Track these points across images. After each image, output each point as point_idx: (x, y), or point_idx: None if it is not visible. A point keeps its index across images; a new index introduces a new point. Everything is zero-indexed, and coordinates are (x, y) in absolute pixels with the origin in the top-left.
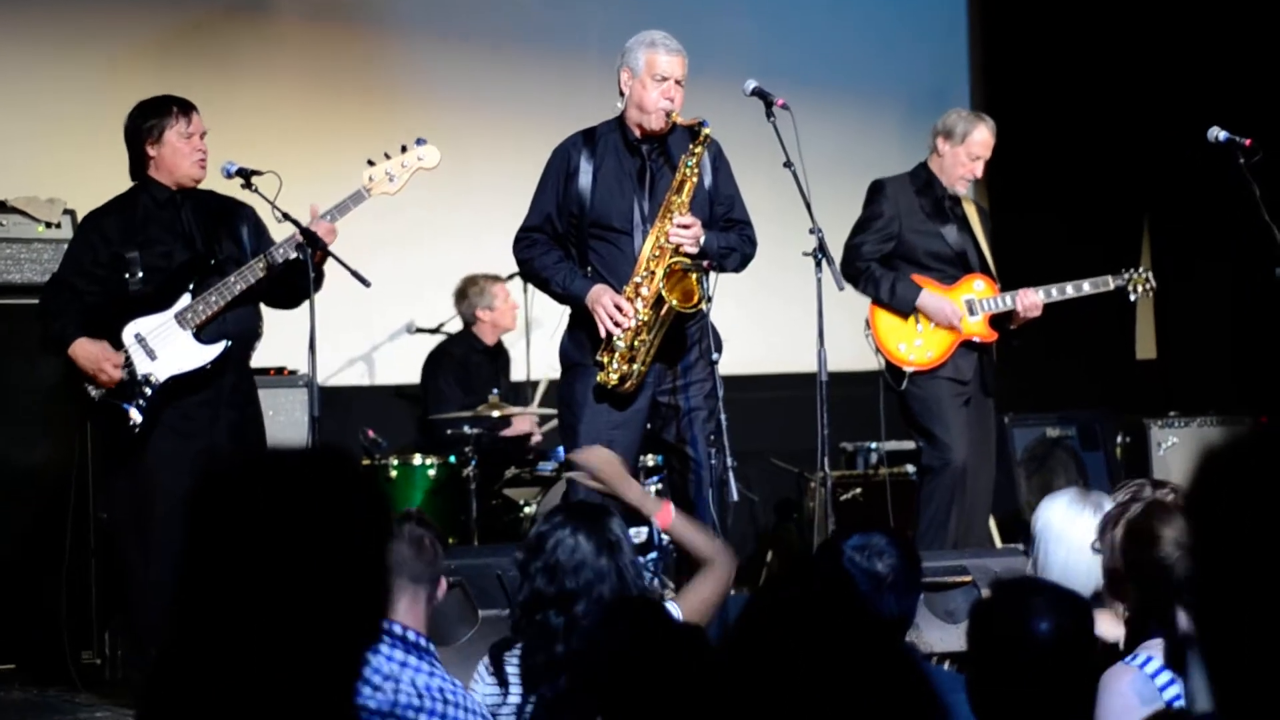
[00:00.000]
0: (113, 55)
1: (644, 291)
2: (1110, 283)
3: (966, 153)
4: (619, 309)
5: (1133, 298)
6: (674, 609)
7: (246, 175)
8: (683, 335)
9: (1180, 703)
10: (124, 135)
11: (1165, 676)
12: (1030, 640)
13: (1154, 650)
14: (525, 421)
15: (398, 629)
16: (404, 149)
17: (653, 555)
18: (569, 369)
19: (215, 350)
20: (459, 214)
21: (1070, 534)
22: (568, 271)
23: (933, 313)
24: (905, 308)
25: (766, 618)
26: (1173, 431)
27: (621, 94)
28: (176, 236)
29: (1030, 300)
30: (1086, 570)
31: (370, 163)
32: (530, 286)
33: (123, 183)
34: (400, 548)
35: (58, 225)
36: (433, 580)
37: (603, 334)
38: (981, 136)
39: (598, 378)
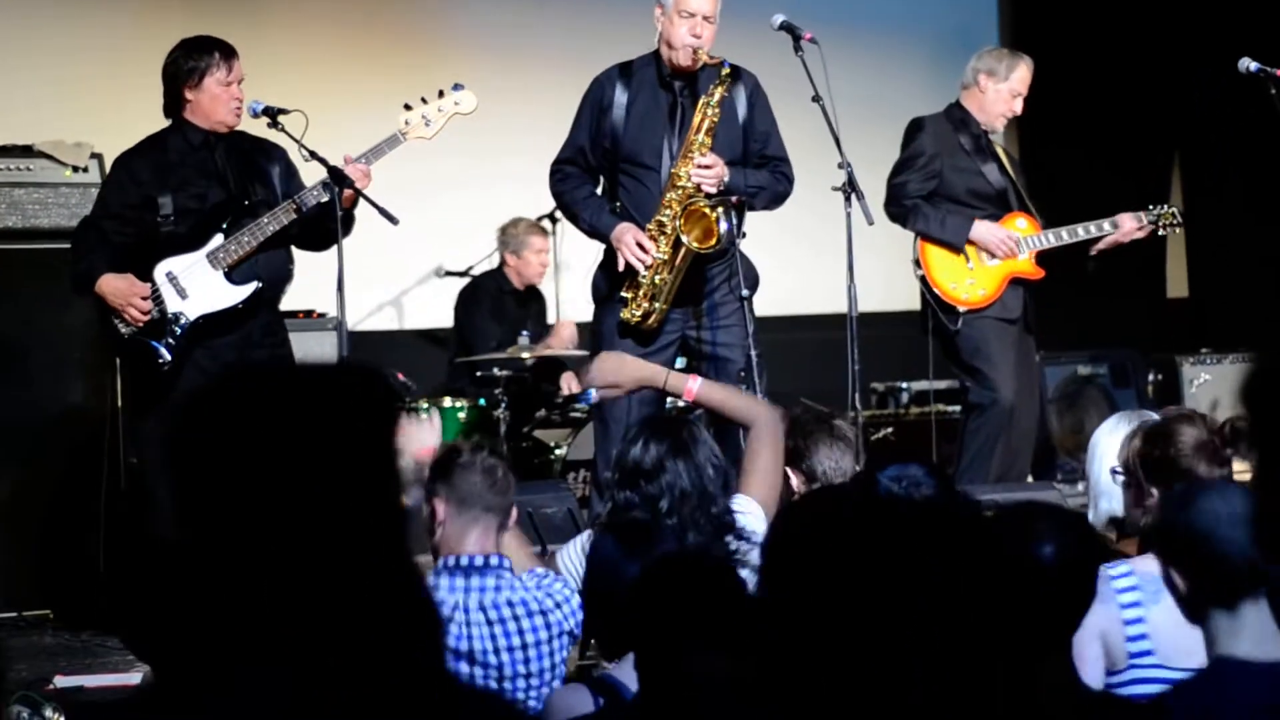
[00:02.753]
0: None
1: (666, 230)
2: (1142, 218)
3: (1010, 90)
4: (641, 247)
5: (1160, 234)
6: (744, 502)
7: (273, 114)
8: (707, 274)
9: (1137, 609)
10: (162, 73)
11: (1129, 580)
12: (1034, 564)
13: (1138, 564)
14: (565, 334)
15: (454, 560)
16: (441, 94)
17: None
18: (599, 303)
19: (246, 290)
20: (488, 157)
21: (1107, 449)
22: (596, 207)
23: (989, 241)
24: (959, 239)
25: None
26: (1204, 369)
27: (656, 29)
28: (210, 178)
29: (1130, 225)
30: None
31: (407, 106)
32: (560, 228)
33: (149, 126)
34: (474, 478)
35: (85, 169)
36: (505, 510)
37: (623, 269)
38: (1023, 74)
39: (621, 314)
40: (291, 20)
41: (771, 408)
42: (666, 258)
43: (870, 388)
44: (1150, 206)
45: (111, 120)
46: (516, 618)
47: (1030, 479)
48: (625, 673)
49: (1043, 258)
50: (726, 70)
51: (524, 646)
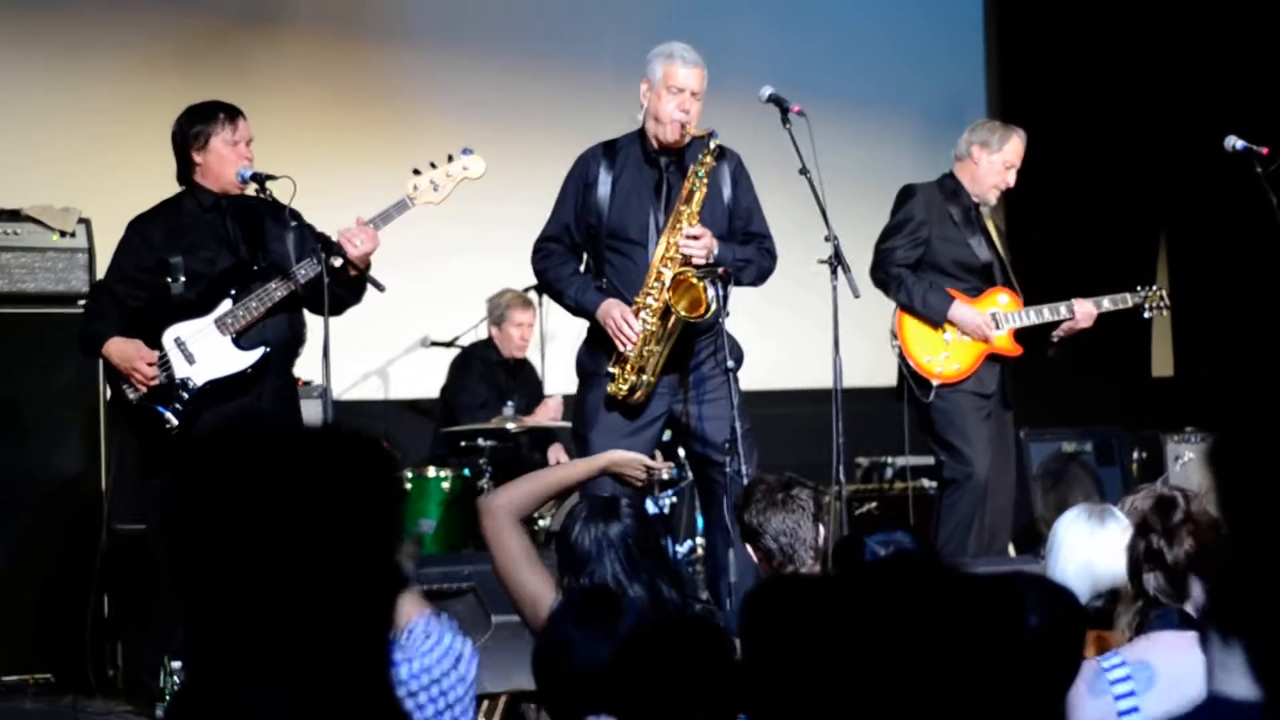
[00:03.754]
0: (129, 64)
1: (652, 302)
2: (1129, 300)
3: (1003, 161)
4: (627, 322)
5: (1147, 315)
6: None
7: (261, 180)
8: (694, 347)
9: (1131, 700)
10: (171, 140)
11: (1122, 672)
12: (1020, 633)
13: (1129, 653)
14: (552, 406)
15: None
16: (450, 158)
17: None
18: (584, 379)
19: (253, 356)
20: (475, 227)
21: (1070, 543)
22: (581, 284)
23: (965, 324)
24: (938, 317)
25: (780, 599)
26: (1189, 447)
27: (642, 105)
28: (220, 242)
29: (1086, 309)
30: (1081, 579)
31: (416, 171)
32: (546, 299)
33: (138, 191)
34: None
35: (72, 234)
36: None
37: (617, 346)
38: (1016, 146)
39: (608, 388)
40: (281, 86)
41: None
42: (655, 329)
43: (855, 462)
44: (1139, 288)
45: (100, 185)
46: (436, 680)
47: (1013, 554)
48: None
49: (1023, 336)
50: (716, 140)
51: (449, 707)
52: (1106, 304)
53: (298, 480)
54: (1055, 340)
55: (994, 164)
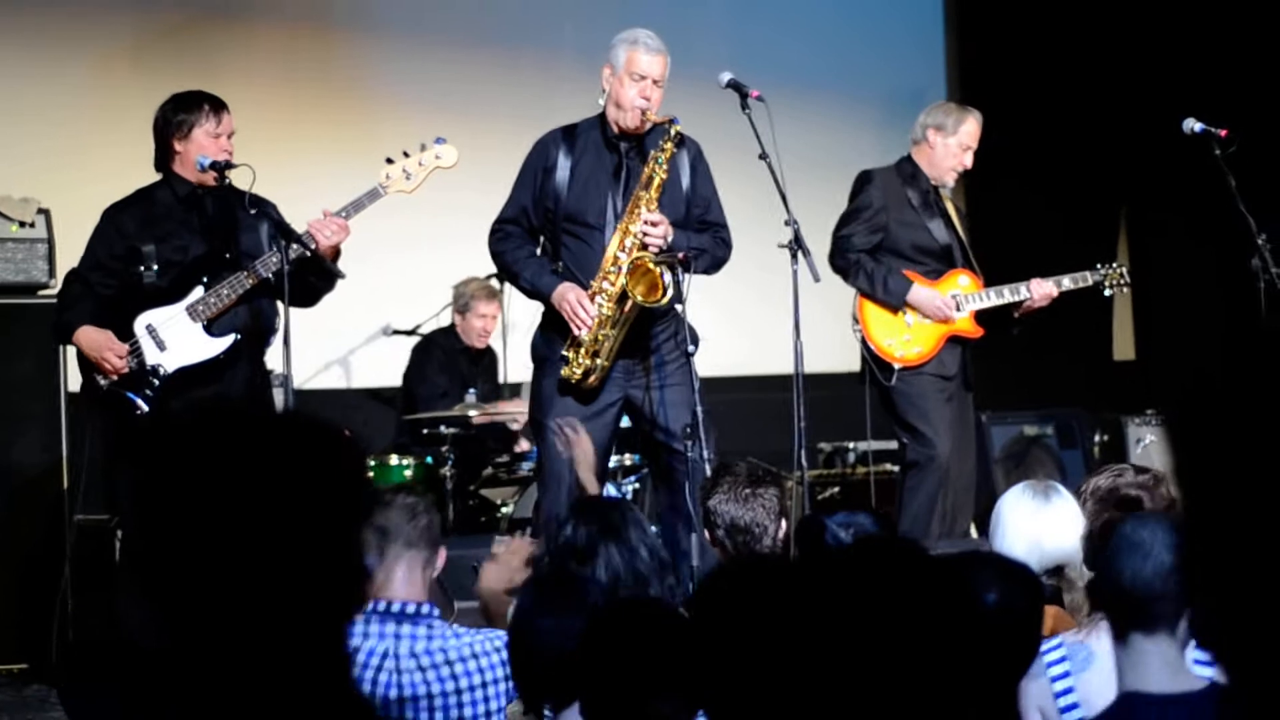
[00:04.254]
0: (91, 56)
1: (609, 287)
2: (1089, 278)
3: (959, 144)
4: (582, 305)
5: (1107, 293)
6: None
7: (220, 168)
8: (651, 332)
9: (1066, 680)
10: (152, 126)
11: (1059, 654)
12: (977, 611)
13: (1068, 636)
14: (512, 405)
15: (384, 605)
16: (422, 147)
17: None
18: (539, 364)
19: (224, 343)
20: (436, 216)
21: (1015, 522)
22: (537, 267)
23: (925, 306)
24: (897, 301)
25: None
26: (1150, 429)
27: (603, 90)
28: (194, 231)
29: (1044, 290)
30: (1029, 558)
31: (389, 160)
32: (510, 289)
33: (98, 182)
34: (393, 514)
35: (31, 225)
36: (430, 546)
37: (572, 329)
38: (971, 128)
39: (562, 372)
40: (247, 79)
41: None
42: (611, 313)
43: (817, 448)
44: (1098, 265)
45: (59, 176)
46: (450, 663)
47: (975, 536)
48: None
49: (984, 317)
50: (677, 127)
51: (458, 691)
52: (1066, 283)
53: (261, 465)
54: (1016, 319)
55: (950, 147)
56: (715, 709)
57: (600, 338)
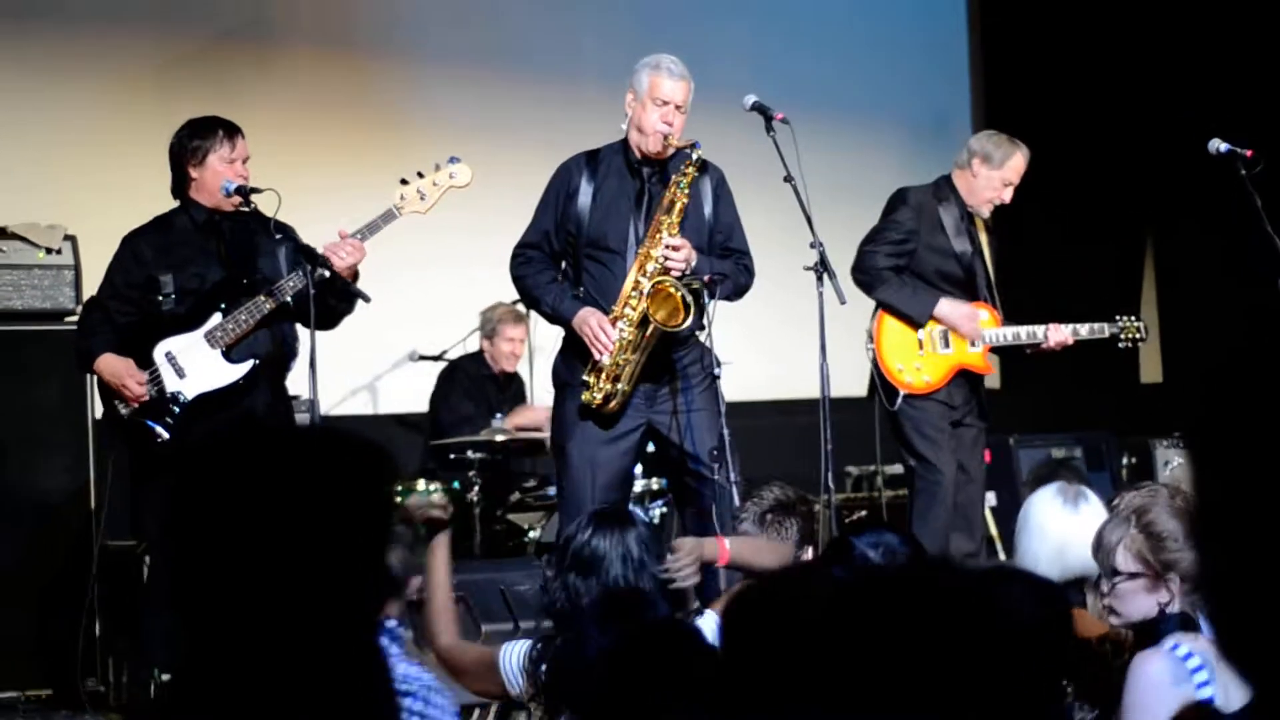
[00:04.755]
0: (113, 81)
1: (630, 312)
2: (1105, 330)
3: (1002, 178)
4: (604, 330)
5: (1121, 345)
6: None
7: (245, 193)
8: (675, 357)
9: (1208, 688)
10: (168, 153)
11: (1196, 661)
12: (1008, 629)
13: (1181, 639)
14: (539, 413)
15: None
16: (436, 167)
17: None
18: (560, 388)
19: (243, 369)
20: (460, 240)
21: (1042, 524)
22: (558, 292)
23: (953, 319)
24: (923, 313)
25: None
26: (1178, 452)
27: (626, 114)
28: (211, 257)
29: (1060, 336)
30: (1052, 563)
31: (403, 181)
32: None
33: (124, 208)
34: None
35: (58, 251)
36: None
37: (594, 354)
38: (1018, 164)
39: (582, 397)
40: (267, 101)
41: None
42: (632, 338)
43: (844, 471)
44: (1116, 317)
45: (86, 202)
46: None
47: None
48: None
49: (995, 354)
50: (699, 151)
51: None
52: (1084, 332)
53: (293, 481)
54: (1027, 355)
55: (992, 179)
56: None
57: (621, 362)
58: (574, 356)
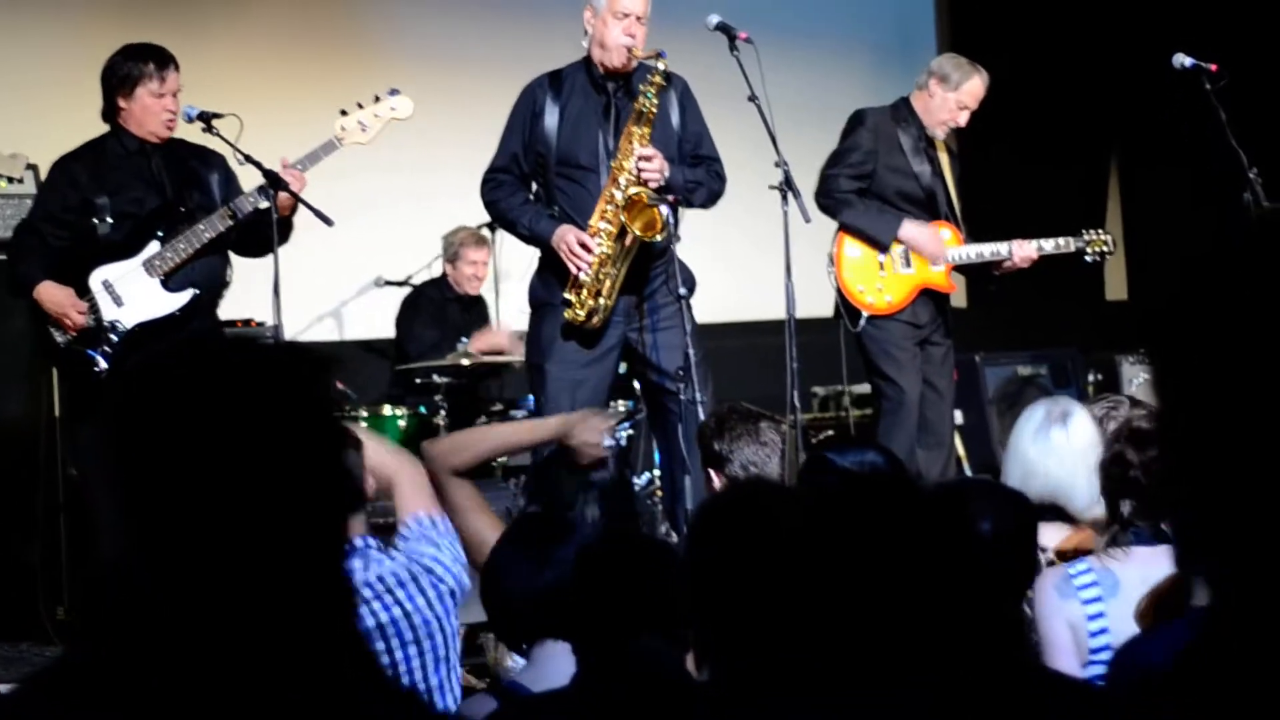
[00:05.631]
0: (74, 9)
1: (607, 225)
2: (1071, 244)
3: (957, 100)
4: (583, 245)
5: (1088, 259)
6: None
7: (207, 119)
8: (648, 272)
9: (1098, 604)
10: (100, 77)
11: (1088, 578)
12: (973, 539)
13: (1094, 561)
14: (502, 337)
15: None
16: (376, 99)
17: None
18: (537, 309)
19: (183, 298)
20: (425, 167)
21: (1017, 443)
22: (534, 213)
23: (917, 241)
24: (887, 238)
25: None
26: (1144, 368)
27: (586, 33)
28: (147, 184)
29: (1025, 251)
30: (1021, 478)
31: (343, 112)
32: (499, 236)
33: (86, 136)
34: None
35: (19, 180)
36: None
37: (573, 270)
38: (974, 88)
39: (565, 315)
40: (228, 29)
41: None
42: (611, 251)
43: (811, 392)
44: (1082, 231)
45: (47, 131)
46: (390, 589)
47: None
48: (527, 676)
49: (959, 272)
50: (665, 60)
51: (406, 615)
52: (1048, 246)
53: (234, 393)
54: (995, 277)
55: (948, 100)
56: (709, 637)
57: (601, 276)
58: (551, 276)
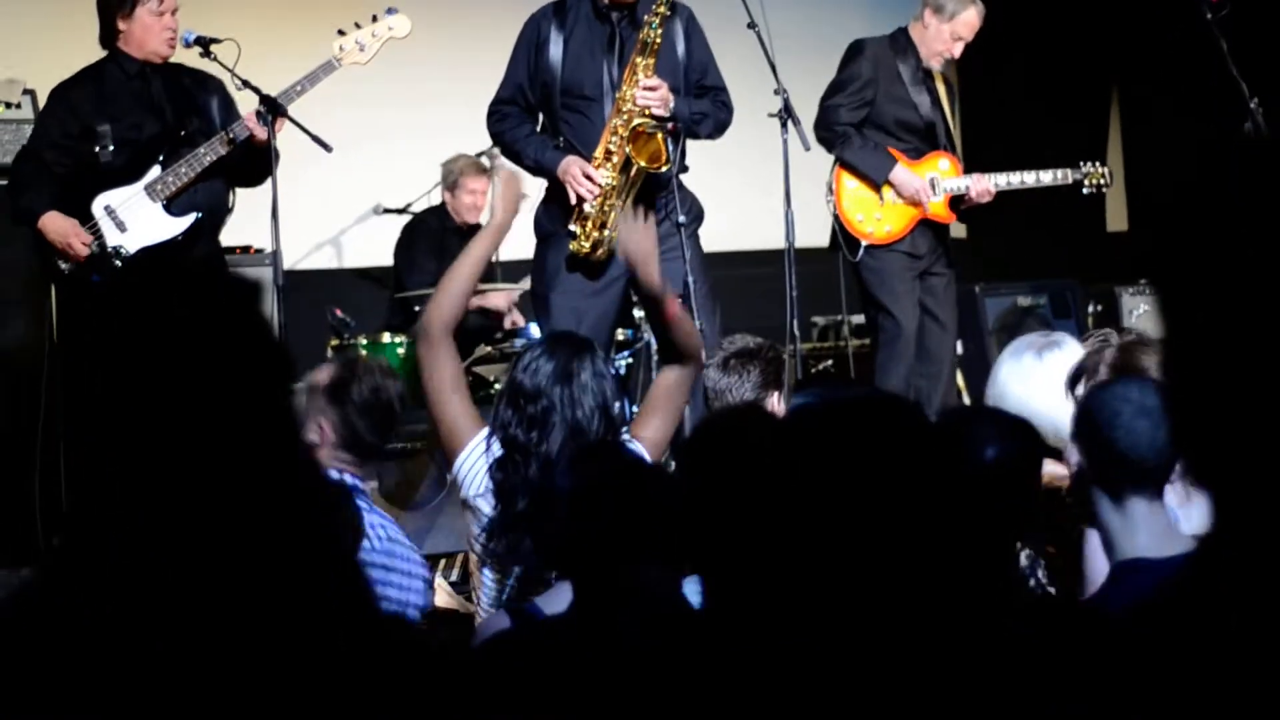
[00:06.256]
0: None
1: (612, 156)
2: (1069, 176)
3: (951, 31)
4: (588, 177)
5: (1085, 191)
6: (638, 447)
7: (205, 44)
8: (653, 203)
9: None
10: (97, 2)
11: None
12: (977, 466)
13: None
14: (500, 297)
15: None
16: (374, 18)
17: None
18: (542, 239)
19: (185, 222)
20: (425, 96)
21: (1011, 378)
22: (539, 144)
23: (903, 188)
24: (880, 177)
25: (732, 426)
26: (1144, 299)
27: None
28: (146, 109)
29: (982, 187)
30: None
31: (340, 33)
32: (499, 165)
33: (83, 61)
34: (358, 422)
35: (18, 105)
36: (379, 445)
37: (574, 202)
38: (969, 18)
39: (570, 246)
40: None
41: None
42: (616, 182)
43: (811, 322)
44: (1080, 164)
45: (44, 56)
46: (386, 540)
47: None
48: (547, 599)
49: (958, 202)
50: None
51: (386, 568)
52: (1046, 178)
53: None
54: (962, 209)
55: (942, 31)
56: (705, 565)
57: (606, 208)
58: (556, 206)
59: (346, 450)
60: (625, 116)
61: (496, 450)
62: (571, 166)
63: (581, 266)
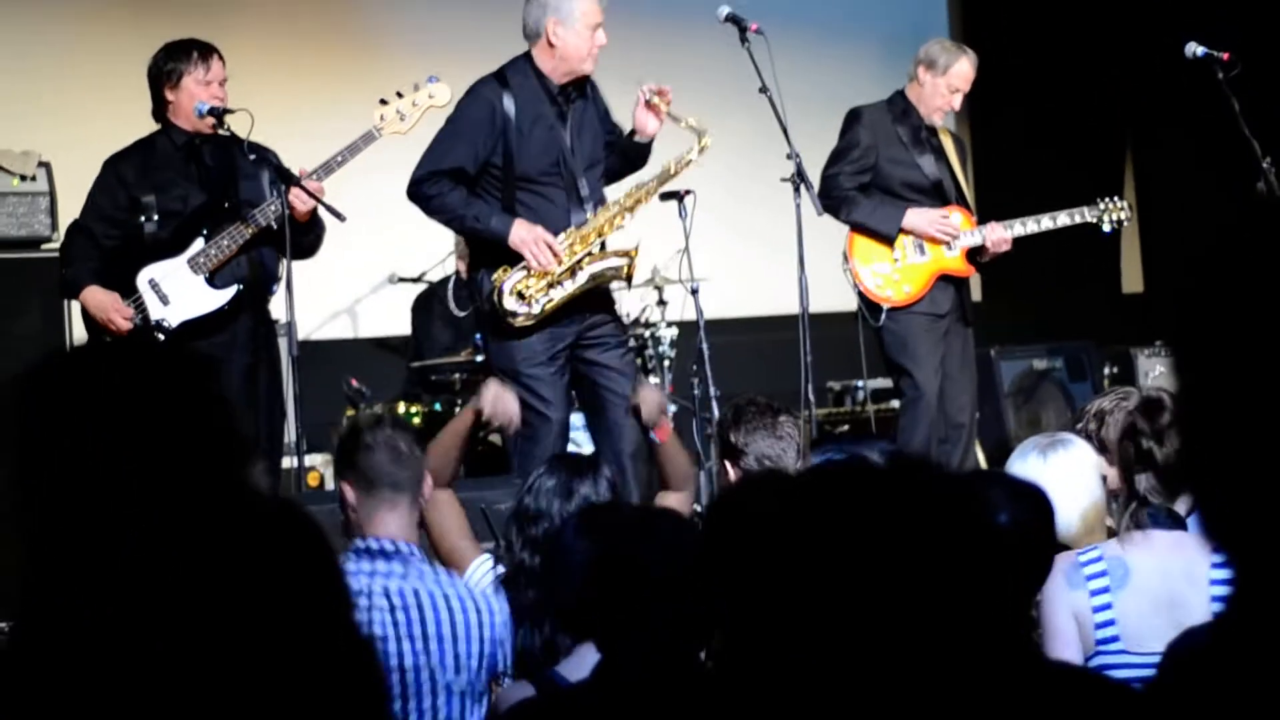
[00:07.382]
0: (87, 4)
1: (578, 248)
2: (1087, 214)
3: (947, 84)
4: (548, 243)
5: (1106, 229)
6: None
7: (218, 114)
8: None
9: (1105, 595)
10: (147, 76)
11: (1098, 567)
12: (989, 532)
13: (1106, 549)
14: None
15: (363, 543)
16: (416, 87)
17: None
18: (490, 315)
19: (227, 295)
20: None
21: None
22: (483, 207)
23: (921, 226)
24: (891, 229)
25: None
26: (1160, 361)
27: (536, 36)
28: (193, 181)
29: (998, 235)
30: None
31: (383, 101)
32: None
33: (98, 133)
34: (377, 457)
35: (33, 178)
36: (415, 483)
37: (532, 268)
38: (962, 69)
39: (516, 325)
40: (244, 22)
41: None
42: (582, 255)
43: (826, 386)
44: (1098, 200)
45: (60, 128)
46: (420, 606)
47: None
48: (568, 665)
49: (976, 255)
50: (707, 140)
51: (425, 638)
52: (1063, 219)
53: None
54: (983, 262)
55: (938, 86)
56: (728, 627)
57: (554, 282)
58: (484, 271)
59: (368, 494)
60: (593, 247)
61: (500, 569)
62: (536, 229)
63: (532, 332)
